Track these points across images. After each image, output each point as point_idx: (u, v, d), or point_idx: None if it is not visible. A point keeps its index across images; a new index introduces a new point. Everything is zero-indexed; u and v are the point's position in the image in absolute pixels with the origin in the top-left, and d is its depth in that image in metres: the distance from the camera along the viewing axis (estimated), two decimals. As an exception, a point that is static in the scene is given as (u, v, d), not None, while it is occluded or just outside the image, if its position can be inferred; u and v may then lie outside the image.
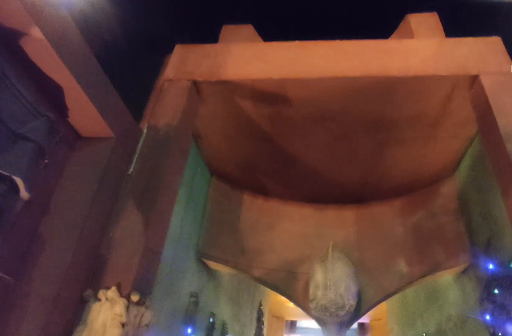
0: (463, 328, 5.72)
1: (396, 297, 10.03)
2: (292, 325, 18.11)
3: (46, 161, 3.03)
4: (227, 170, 6.40)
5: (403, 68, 4.69)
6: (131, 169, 3.80)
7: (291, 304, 13.89)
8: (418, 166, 6.32)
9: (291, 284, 5.99)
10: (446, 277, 6.45)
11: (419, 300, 8.06)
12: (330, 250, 5.32)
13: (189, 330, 4.97)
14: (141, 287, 3.10)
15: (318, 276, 5.02)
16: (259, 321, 9.94)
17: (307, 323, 19.50)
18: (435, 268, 5.78)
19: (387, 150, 5.90)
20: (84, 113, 3.48)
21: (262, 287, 10.62)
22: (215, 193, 6.26)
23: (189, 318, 5.05)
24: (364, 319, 16.56)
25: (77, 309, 2.88)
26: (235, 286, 7.68)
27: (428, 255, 5.93)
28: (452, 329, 6.10)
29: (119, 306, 2.85)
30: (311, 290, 5.04)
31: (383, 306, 13.26)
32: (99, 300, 2.96)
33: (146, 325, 3.16)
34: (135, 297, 2.96)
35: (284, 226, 6.58)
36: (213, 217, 6.00)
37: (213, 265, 5.84)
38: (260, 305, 10.16)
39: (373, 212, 6.80)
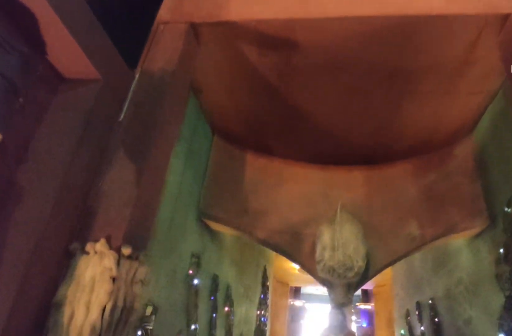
0: (475, 291, 5.51)
1: (402, 262, 9.89)
2: (296, 291, 18.35)
3: (21, 100, 2.67)
4: (230, 128, 6.01)
5: (426, 7, 4.18)
6: (122, 116, 3.43)
7: (296, 271, 13.95)
8: (434, 125, 5.90)
9: (296, 246, 5.76)
10: (457, 241, 6.19)
11: (427, 264, 7.87)
12: (338, 210, 5.02)
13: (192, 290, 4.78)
14: (134, 241, 2.82)
15: (326, 237, 4.76)
16: (264, 286, 9.89)
17: (311, 289, 19.78)
18: (449, 230, 5.49)
19: (401, 106, 5.47)
20: (65, 50, 3.06)
21: (266, 252, 10.51)
22: (217, 152, 5.90)
23: (191, 279, 4.84)
24: (367, 286, 16.66)
25: (62, 263, 2.61)
26: (239, 250, 7.49)
27: (442, 217, 5.63)
28: (462, 292, 5.91)
29: (109, 259, 2.57)
30: (318, 252, 4.81)
31: (387, 272, 13.24)
32: (87, 253, 2.68)
33: (142, 282, 2.91)
34: (126, 250, 2.68)
35: (289, 187, 6.27)
36: (215, 176, 5.68)
37: (215, 226, 5.59)
38: (265, 270, 10.07)
39: (383, 174, 6.45)
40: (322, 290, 20.64)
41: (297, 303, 17.88)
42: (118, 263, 2.63)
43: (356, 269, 4.55)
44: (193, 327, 4.83)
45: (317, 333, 5.24)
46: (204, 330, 5.41)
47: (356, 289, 5.30)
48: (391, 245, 5.70)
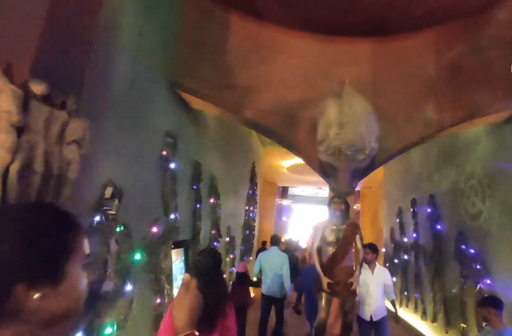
0: (491, 185, 4.89)
1: (398, 159, 9.36)
2: (284, 191, 18.45)
3: None
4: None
5: None
6: None
7: (284, 169, 13.53)
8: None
9: (291, 129, 4.90)
10: (472, 130, 5.39)
11: (429, 159, 7.23)
12: (346, 85, 4.01)
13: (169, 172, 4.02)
14: (54, 79, 1.84)
15: (331, 111, 3.83)
16: (252, 182, 9.39)
17: (298, 190, 19.97)
18: (473, 113, 4.60)
19: None
20: None
21: (255, 146, 9.79)
22: (193, 10, 4.59)
23: (165, 161, 4.03)
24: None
25: None
26: (225, 138, 6.67)
27: (465, 98, 4.70)
28: (474, 187, 5.31)
29: (6, 97, 1.62)
30: (320, 130, 3.93)
31: (375, 173, 12.95)
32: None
33: (78, 143, 2.02)
34: (37, 87, 1.72)
35: (283, 60, 5.14)
36: (192, 40, 4.48)
37: (194, 102, 4.59)
38: (253, 166, 9.46)
39: (397, 47, 5.30)
40: (308, 192, 20.95)
41: (285, 202, 18.12)
42: (25, 106, 1.68)
43: (367, 151, 3.74)
44: (172, 216, 4.19)
45: (313, 225, 4.72)
46: (187, 221, 4.84)
47: (362, 177, 4.63)
48: (402, 130, 4.88)
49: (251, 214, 9.45)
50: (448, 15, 5.06)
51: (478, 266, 5.13)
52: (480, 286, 4.95)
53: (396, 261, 9.27)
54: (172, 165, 4.16)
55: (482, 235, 5.09)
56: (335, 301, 4.38)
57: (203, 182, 5.30)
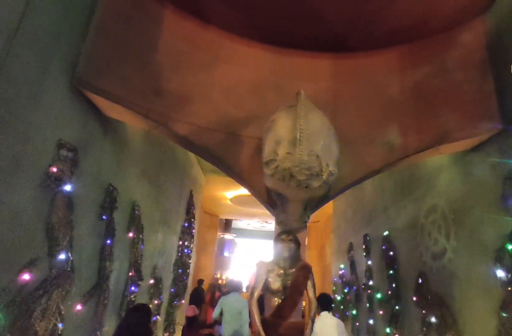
0: (457, 220, 4.26)
1: (350, 191, 8.77)
2: (227, 224, 17.36)
3: None
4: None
5: None
6: None
7: (228, 201, 12.54)
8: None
9: (232, 150, 4.01)
10: (433, 160, 4.86)
11: (384, 192, 6.64)
12: (302, 96, 3.22)
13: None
14: None
15: (282, 125, 2.96)
16: (189, 213, 8.30)
17: (243, 224, 18.94)
18: (440, 139, 4.02)
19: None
20: None
21: (194, 173, 8.79)
22: (119, -5, 3.70)
23: (55, 181, 2.94)
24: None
25: None
26: (155, 159, 5.63)
27: (432, 122, 4.14)
28: (436, 221, 4.68)
29: None
30: (267, 148, 3.03)
31: (325, 205, 12.38)
32: None
33: None
34: None
35: (228, 69, 4.34)
36: (112, 32, 3.54)
37: (108, 108, 3.58)
38: (191, 195, 8.42)
39: (359, 64, 4.72)
40: (253, 225, 19.96)
41: (227, 236, 16.96)
42: None
43: (325, 177, 2.90)
44: (62, 256, 3.05)
45: (255, 265, 3.75)
46: (90, 262, 3.68)
47: (315, 209, 3.80)
48: (363, 156, 4.18)
49: (185, 250, 8.26)
50: (411, 35, 4.61)
51: (442, 315, 4.40)
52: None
53: (346, 303, 8.44)
54: (68, 187, 3.07)
55: (447, 277, 4.40)
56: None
57: (118, 211, 4.20)
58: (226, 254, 17.21)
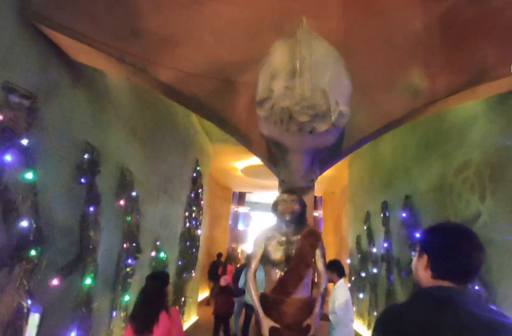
0: (494, 177, 3.63)
1: (367, 154, 8.14)
2: (241, 197, 16.98)
3: None
4: None
5: None
6: None
7: (239, 173, 12.03)
8: None
9: (225, 99, 3.40)
10: (464, 108, 4.19)
11: (406, 152, 5.98)
12: (303, 23, 2.56)
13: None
14: None
15: (279, 55, 2.32)
16: (196, 183, 7.83)
17: (257, 197, 18.52)
18: (477, 78, 3.33)
19: None
20: None
21: (199, 140, 8.25)
22: None
23: (8, 134, 2.43)
24: (316, 193, 15.45)
25: None
26: (146, 121, 5.06)
27: (467, 59, 3.41)
28: (469, 180, 4.04)
29: None
30: (261, 85, 2.38)
31: (338, 177, 11.76)
32: None
33: None
34: None
35: (218, 6, 3.67)
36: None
37: (71, 48, 3.01)
38: (197, 164, 7.92)
39: (375, -3, 3.98)
40: (268, 199, 19.52)
41: (241, 210, 16.60)
42: None
43: (333, 118, 2.24)
44: (23, 223, 2.58)
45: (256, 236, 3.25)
46: (68, 231, 3.23)
47: (325, 166, 3.21)
48: (382, 103, 3.52)
49: (193, 222, 7.85)
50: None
51: (475, 287, 3.84)
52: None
53: (363, 274, 7.98)
54: (25, 142, 2.56)
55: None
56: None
57: (103, 176, 3.71)
58: (240, 227, 16.92)
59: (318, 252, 3.07)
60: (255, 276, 3.06)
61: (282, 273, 2.98)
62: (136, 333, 2.87)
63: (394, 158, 6.52)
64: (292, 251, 2.98)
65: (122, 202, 4.21)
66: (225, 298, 6.78)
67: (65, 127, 3.10)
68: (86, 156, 3.38)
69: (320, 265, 3.09)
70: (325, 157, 3.11)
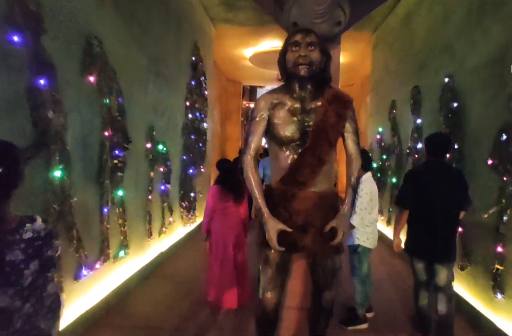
0: None
1: (392, 34, 6.80)
2: (252, 92, 15.89)
3: None
4: None
5: None
6: None
7: (247, 62, 10.74)
8: None
9: None
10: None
11: (447, 22, 4.72)
12: None
13: None
14: None
15: None
16: (196, 70, 6.80)
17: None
18: None
19: None
20: None
21: (198, 19, 6.94)
22: None
23: None
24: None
25: None
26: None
27: None
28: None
29: None
30: None
31: (360, 66, 10.39)
32: None
33: None
34: None
35: None
36: None
37: None
38: (197, 47, 6.77)
39: None
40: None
41: (253, 105, 15.69)
42: None
43: None
44: None
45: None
46: (11, 110, 2.47)
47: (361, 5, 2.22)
48: None
49: (197, 114, 7.06)
50: None
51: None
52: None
53: (384, 170, 7.40)
54: None
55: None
56: (300, 264, 2.28)
57: (56, 40, 2.79)
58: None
59: (348, 126, 2.16)
60: (256, 160, 2.17)
61: (295, 156, 2.13)
62: (234, 202, 3.77)
63: (430, 34, 5.26)
64: (310, 123, 2.09)
65: (91, 78, 3.35)
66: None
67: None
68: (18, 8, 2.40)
69: (351, 144, 2.21)
70: None
